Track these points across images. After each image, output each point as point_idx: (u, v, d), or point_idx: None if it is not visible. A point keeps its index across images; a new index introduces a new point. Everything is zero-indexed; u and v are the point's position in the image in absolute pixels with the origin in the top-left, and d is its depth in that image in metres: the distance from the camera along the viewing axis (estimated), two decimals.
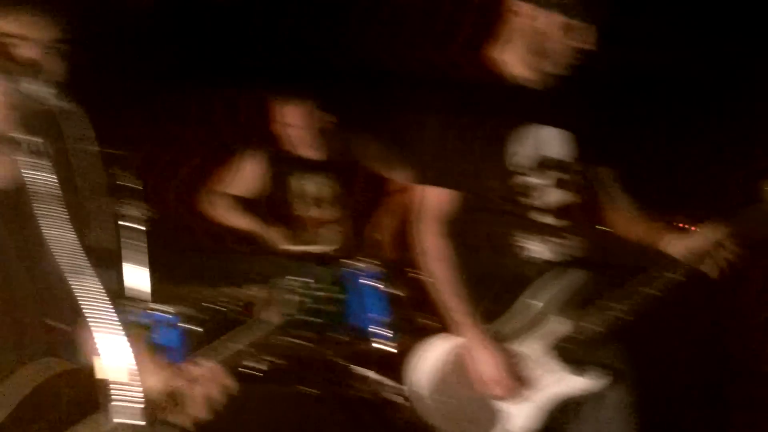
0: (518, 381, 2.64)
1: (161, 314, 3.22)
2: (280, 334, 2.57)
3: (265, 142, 4.29)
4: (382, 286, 3.55)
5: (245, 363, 1.96)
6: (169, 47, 4.71)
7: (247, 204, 4.33)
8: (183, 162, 4.84)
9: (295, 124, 4.20)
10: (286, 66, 4.75)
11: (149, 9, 4.49)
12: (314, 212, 4.23)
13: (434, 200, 2.66)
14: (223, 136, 4.84)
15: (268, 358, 2.00)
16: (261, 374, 2.18)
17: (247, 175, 4.30)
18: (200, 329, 3.27)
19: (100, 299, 1.62)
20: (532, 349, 2.69)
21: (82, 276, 1.63)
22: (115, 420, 1.58)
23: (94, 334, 1.61)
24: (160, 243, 1.89)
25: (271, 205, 4.28)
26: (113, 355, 1.58)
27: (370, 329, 3.55)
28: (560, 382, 2.68)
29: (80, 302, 1.61)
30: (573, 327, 2.68)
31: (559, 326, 2.69)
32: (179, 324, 3.26)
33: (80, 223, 1.76)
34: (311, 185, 4.24)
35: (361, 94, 4.51)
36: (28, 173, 1.69)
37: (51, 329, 1.80)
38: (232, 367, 1.95)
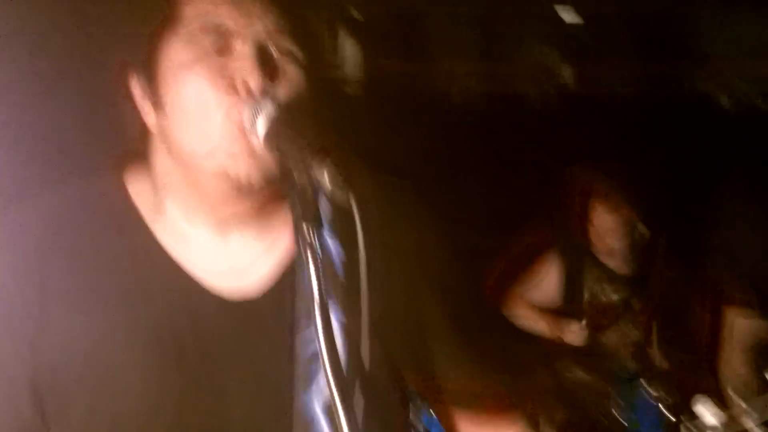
0: None
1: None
2: None
3: (573, 243, 3.92)
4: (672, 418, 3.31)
5: None
6: None
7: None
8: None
9: (615, 231, 3.79)
10: None
11: None
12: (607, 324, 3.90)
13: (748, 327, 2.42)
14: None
15: None
16: None
17: (550, 280, 3.94)
18: None
19: None
20: None
21: None
22: None
23: None
24: None
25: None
26: None
27: None
28: None
29: None
30: None
31: None
32: None
33: None
34: (610, 294, 3.89)
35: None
36: None
37: None
38: None
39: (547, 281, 3.87)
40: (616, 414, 3.32)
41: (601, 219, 3.79)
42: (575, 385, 3.51)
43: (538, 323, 3.83)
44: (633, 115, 5.47)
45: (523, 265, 3.88)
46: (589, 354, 3.77)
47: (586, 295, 3.83)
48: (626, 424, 3.32)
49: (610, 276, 3.83)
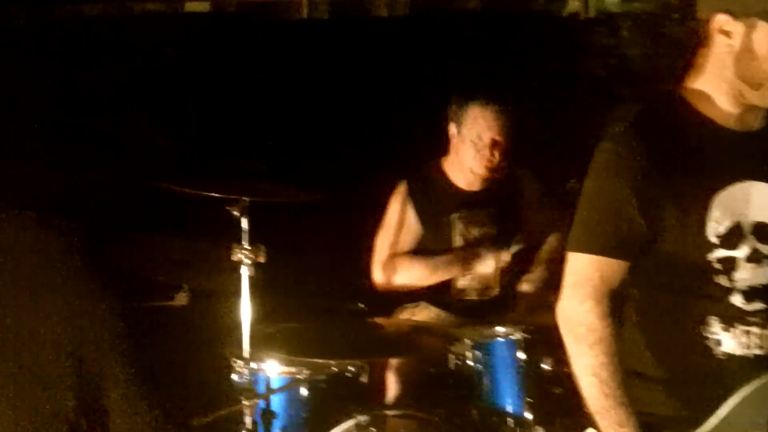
0: None
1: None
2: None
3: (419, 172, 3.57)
4: (524, 357, 3.07)
5: None
6: None
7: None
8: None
9: (481, 141, 3.39)
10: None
11: None
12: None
13: (595, 270, 2.13)
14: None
15: None
16: None
17: (408, 221, 3.53)
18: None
19: None
20: None
21: None
22: None
23: None
24: None
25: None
26: None
27: (506, 408, 3.06)
28: None
29: None
30: None
31: None
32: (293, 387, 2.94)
33: None
34: (475, 226, 3.53)
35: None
36: None
37: None
38: None
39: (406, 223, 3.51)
40: (462, 353, 3.09)
41: (461, 146, 3.49)
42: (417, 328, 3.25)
43: (438, 270, 3.46)
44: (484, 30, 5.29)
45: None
46: (440, 292, 3.52)
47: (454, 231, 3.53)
48: (475, 364, 3.10)
49: (471, 205, 3.53)
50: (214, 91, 4.73)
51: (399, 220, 3.52)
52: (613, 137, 2.14)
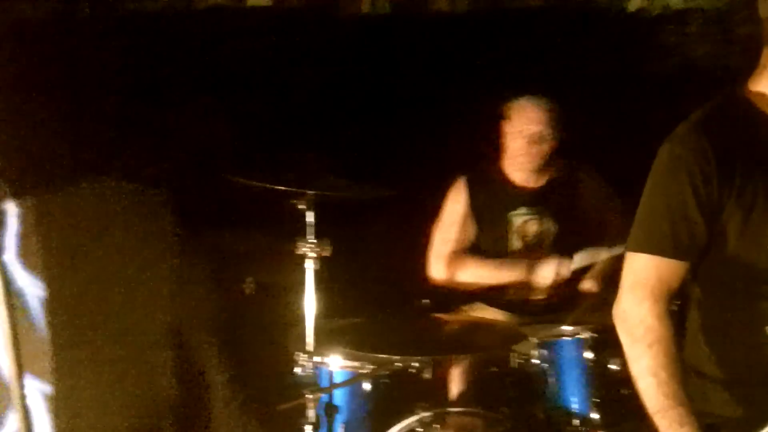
0: None
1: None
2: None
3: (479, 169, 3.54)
4: (592, 356, 3.01)
5: None
6: None
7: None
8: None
9: (527, 133, 3.38)
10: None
11: None
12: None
13: (653, 270, 2.09)
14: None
15: None
16: None
17: (465, 217, 3.49)
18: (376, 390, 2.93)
19: None
20: None
21: None
22: None
23: None
24: None
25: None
26: None
27: (571, 408, 3.02)
28: None
29: None
30: None
31: None
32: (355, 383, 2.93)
33: None
34: (533, 225, 3.49)
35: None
36: None
37: None
38: None
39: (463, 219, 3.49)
40: (526, 352, 3.06)
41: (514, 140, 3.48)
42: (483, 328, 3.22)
43: (498, 276, 3.43)
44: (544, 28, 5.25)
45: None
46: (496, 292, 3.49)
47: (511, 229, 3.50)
48: (541, 363, 3.07)
49: (529, 203, 3.49)
50: (280, 86, 4.75)
51: (456, 216, 3.51)
52: (676, 138, 2.11)
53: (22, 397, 0.92)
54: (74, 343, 1.00)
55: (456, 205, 3.52)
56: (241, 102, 4.65)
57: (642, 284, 2.08)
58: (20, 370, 0.93)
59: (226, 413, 1.10)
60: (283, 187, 2.85)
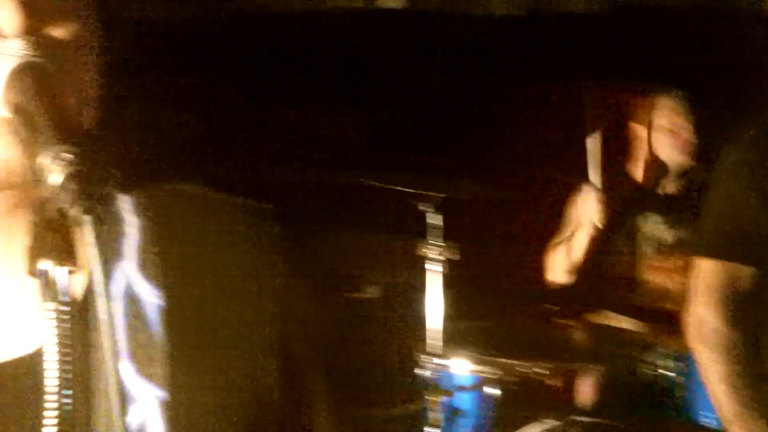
0: None
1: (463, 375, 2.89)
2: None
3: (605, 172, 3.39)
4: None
5: None
6: None
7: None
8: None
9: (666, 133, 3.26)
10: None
11: None
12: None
13: (723, 276, 2.05)
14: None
15: None
16: None
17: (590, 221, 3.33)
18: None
19: None
20: None
21: None
22: None
23: None
24: None
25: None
26: None
27: (704, 422, 2.90)
28: None
29: None
30: None
31: None
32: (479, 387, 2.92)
33: None
34: (663, 230, 3.34)
35: None
36: None
37: None
38: None
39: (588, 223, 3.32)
40: (658, 363, 2.98)
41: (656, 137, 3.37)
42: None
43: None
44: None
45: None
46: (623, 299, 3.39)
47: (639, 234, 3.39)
48: (672, 374, 2.98)
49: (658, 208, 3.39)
50: (406, 87, 4.77)
51: (580, 221, 3.42)
52: (741, 141, 2.06)
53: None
54: (188, 351, 1.03)
55: (579, 208, 3.42)
56: (371, 104, 4.67)
57: (712, 290, 2.05)
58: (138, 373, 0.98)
59: (332, 422, 1.10)
60: (411, 190, 2.86)
